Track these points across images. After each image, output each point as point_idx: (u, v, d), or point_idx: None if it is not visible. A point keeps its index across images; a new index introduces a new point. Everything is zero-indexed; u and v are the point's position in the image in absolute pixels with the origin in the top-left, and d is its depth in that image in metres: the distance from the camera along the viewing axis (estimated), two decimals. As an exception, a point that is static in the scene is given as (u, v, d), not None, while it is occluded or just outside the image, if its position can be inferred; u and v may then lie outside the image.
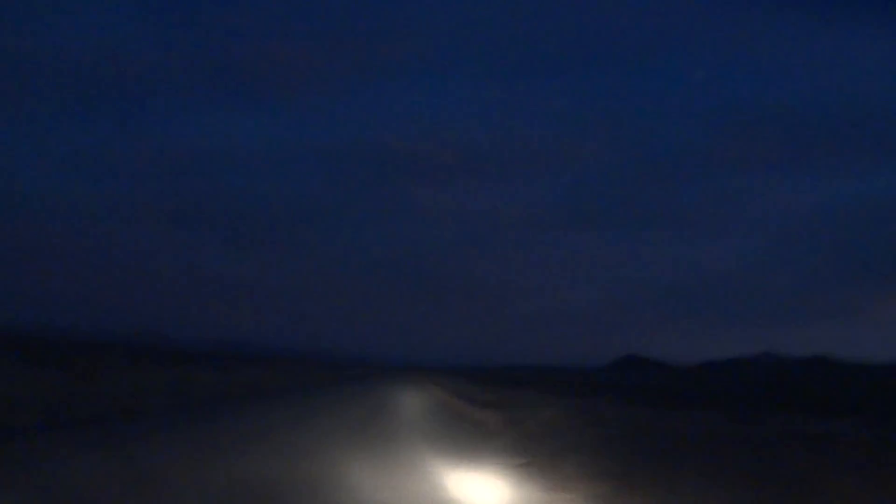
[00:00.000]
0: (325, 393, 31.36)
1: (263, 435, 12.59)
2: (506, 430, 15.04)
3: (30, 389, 17.08)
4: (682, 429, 15.61)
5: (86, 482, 7.17)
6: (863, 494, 6.54)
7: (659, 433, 14.20)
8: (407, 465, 9.56)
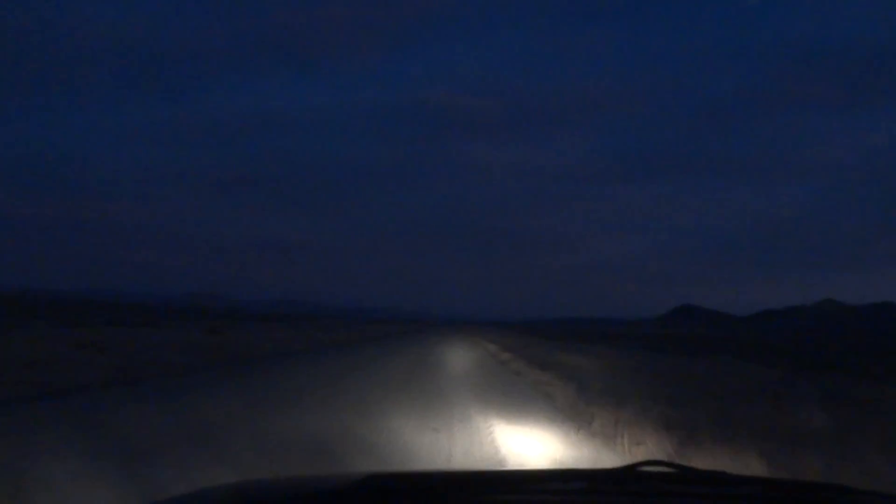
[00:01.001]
0: (376, 347, 31.56)
1: (315, 389, 12.81)
2: (559, 384, 14.72)
3: (94, 349, 17.87)
4: (739, 382, 15.09)
5: (144, 433, 7.45)
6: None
7: (716, 385, 13.75)
8: (457, 419, 9.43)
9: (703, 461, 6.86)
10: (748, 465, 6.60)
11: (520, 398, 12.96)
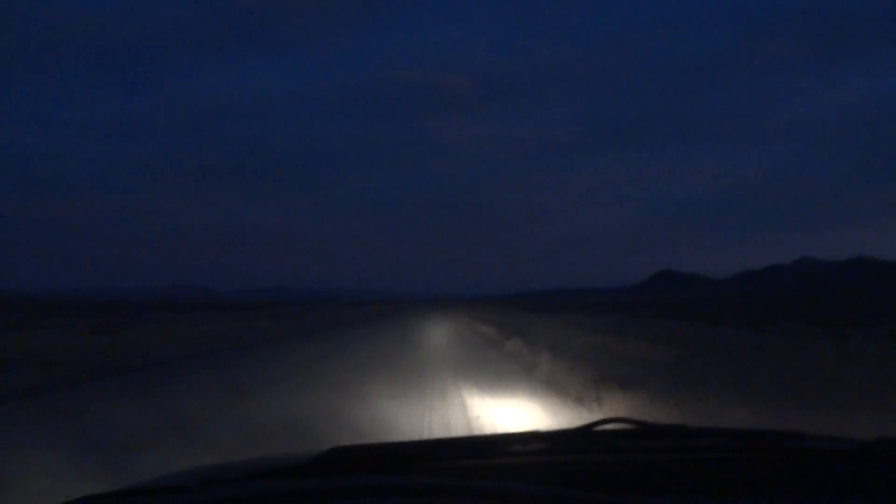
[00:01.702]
0: (354, 328, 31.54)
1: (294, 373, 12.82)
2: (535, 354, 14.88)
3: (76, 346, 17.67)
4: (712, 342, 15.36)
5: (121, 422, 7.55)
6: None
7: (690, 346, 13.96)
8: (437, 393, 9.63)
9: (666, 414, 7.16)
10: (707, 417, 6.88)
11: (496, 367, 13.24)
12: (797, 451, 1.78)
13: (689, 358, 11.38)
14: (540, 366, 12.61)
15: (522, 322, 28.72)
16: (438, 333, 26.45)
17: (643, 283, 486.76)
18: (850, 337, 18.30)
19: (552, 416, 7.80)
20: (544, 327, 22.56)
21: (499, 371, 12.68)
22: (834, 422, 5.94)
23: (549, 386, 10.46)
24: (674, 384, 8.65)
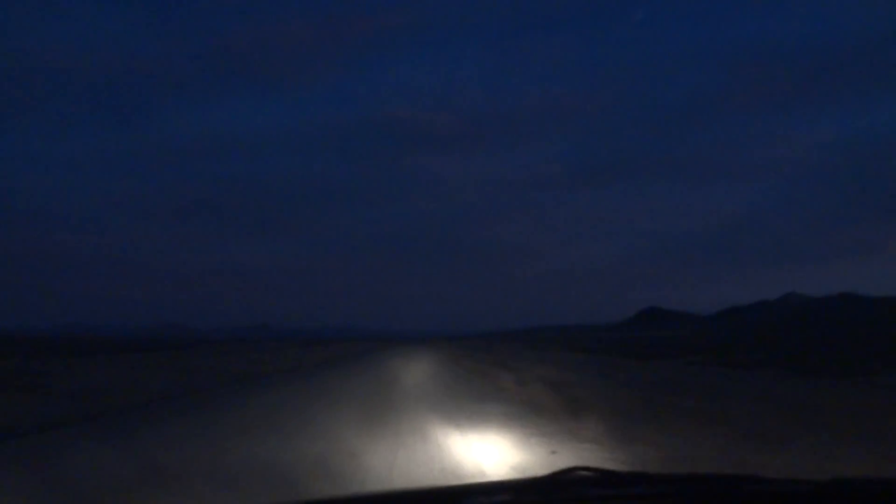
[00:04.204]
0: (334, 369, 31.31)
1: (271, 417, 12.63)
2: (516, 391, 14.82)
3: (39, 387, 17.37)
4: (685, 379, 15.38)
5: (97, 472, 7.32)
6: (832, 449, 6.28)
7: (664, 384, 13.96)
8: (416, 434, 9.57)
9: (640, 451, 7.18)
10: (681, 453, 6.88)
11: (478, 408, 13.12)
12: (756, 495, 1.82)
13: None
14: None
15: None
16: None
17: (629, 320, 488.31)
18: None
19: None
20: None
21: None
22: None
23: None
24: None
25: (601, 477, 1.98)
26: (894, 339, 47.19)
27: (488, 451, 8.09)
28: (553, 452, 7.75)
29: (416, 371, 26.66)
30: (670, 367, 21.94)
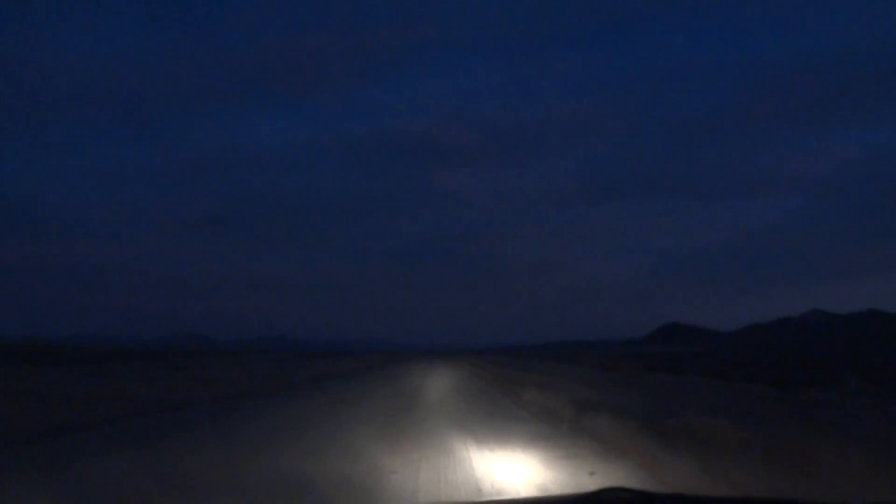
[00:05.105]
0: (354, 381, 31.26)
1: (295, 429, 12.57)
2: (541, 408, 14.67)
3: (65, 391, 17.49)
4: (711, 397, 15.15)
5: (119, 480, 7.31)
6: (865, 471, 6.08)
7: (690, 402, 13.74)
8: (439, 449, 9.45)
9: (672, 473, 6.99)
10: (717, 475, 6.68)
11: (500, 422, 12.97)
12: None
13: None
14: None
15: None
16: None
17: (649, 336, 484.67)
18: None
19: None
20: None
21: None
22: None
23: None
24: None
25: (640, 498, 1.98)
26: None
27: (514, 470, 7.93)
28: (592, 473, 7.59)
29: (438, 385, 26.56)
30: (698, 383, 21.65)
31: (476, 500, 6.17)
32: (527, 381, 22.93)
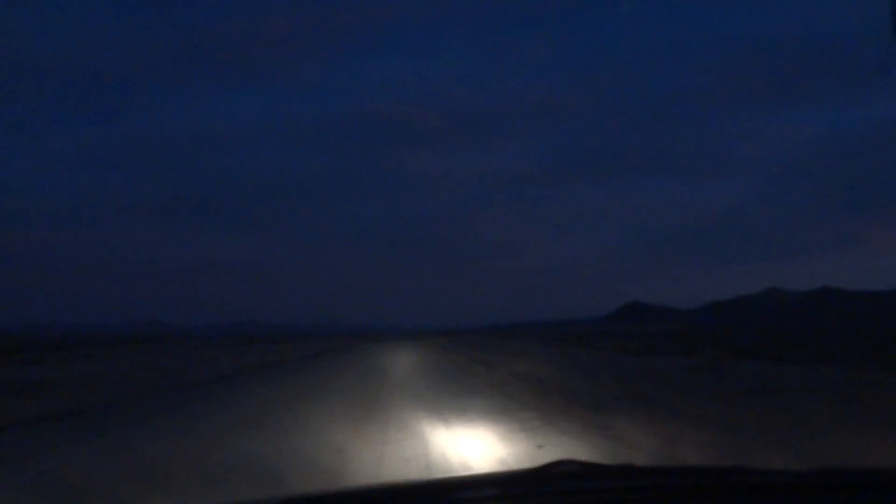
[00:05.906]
0: (320, 364, 31.24)
1: (257, 413, 12.56)
2: (501, 386, 14.87)
3: (26, 382, 17.21)
4: (661, 372, 15.49)
5: (82, 469, 7.31)
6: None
7: (638, 377, 14.03)
8: (403, 428, 9.58)
9: (625, 445, 7.26)
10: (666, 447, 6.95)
11: (463, 401, 13.13)
12: (741, 487, 1.82)
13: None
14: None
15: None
16: None
17: (611, 315, 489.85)
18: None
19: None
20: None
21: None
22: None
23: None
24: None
25: (589, 470, 2.00)
26: (873, 333, 47.74)
27: (474, 445, 8.12)
28: (540, 446, 7.78)
29: (403, 365, 26.69)
30: (654, 359, 22.09)
31: (437, 476, 6.31)
32: (492, 362, 23.16)
